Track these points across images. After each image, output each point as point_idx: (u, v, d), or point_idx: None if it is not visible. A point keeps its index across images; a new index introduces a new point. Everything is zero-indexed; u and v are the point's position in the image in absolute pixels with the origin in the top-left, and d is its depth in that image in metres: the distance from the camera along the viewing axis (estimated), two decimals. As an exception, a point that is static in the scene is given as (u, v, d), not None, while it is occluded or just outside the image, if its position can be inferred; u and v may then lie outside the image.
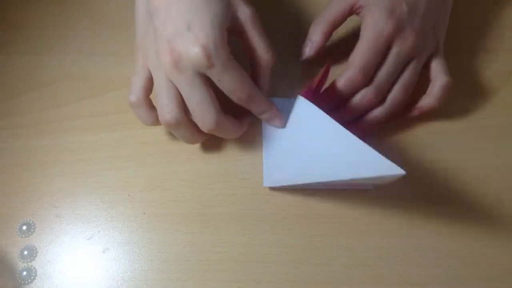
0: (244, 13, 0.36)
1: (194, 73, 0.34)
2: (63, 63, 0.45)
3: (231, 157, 0.41)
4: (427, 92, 0.40)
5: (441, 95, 0.39)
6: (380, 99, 0.39)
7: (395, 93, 0.39)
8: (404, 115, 0.41)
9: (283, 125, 0.39)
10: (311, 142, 0.37)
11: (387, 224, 0.38)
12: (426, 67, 0.40)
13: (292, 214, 0.39)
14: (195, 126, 0.37)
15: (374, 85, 0.38)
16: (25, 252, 0.38)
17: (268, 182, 0.39)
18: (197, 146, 0.41)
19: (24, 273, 0.37)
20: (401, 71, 0.39)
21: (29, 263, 0.38)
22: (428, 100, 0.39)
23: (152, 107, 0.37)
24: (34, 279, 0.37)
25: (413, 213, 0.38)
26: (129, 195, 0.40)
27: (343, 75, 0.38)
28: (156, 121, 0.37)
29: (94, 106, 0.43)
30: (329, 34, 0.41)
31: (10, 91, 0.44)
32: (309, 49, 0.41)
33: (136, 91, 0.37)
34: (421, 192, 0.39)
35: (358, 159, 0.33)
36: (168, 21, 0.34)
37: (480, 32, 0.45)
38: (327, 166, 0.35)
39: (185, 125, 0.36)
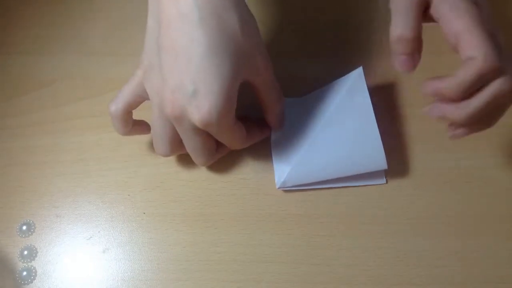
0: (258, 68, 0.34)
1: (191, 128, 0.33)
2: (63, 63, 0.45)
3: (231, 157, 0.41)
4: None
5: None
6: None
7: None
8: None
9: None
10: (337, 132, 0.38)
11: (387, 224, 0.38)
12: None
13: (292, 214, 0.39)
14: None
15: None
16: (25, 252, 0.38)
17: (280, 184, 0.39)
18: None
19: (24, 273, 0.37)
20: None
21: (29, 263, 0.38)
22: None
23: (127, 123, 0.37)
24: (34, 279, 0.37)
25: (413, 213, 0.38)
26: (129, 195, 0.40)
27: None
28: (127, 134, 0.38)
29: (94, 106, 0.43)
30: (415, 44, 0.32)
31: (10, 91, 0.44)
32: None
33: (118, 103, 0.36)
34: (421, 192, 0.39)
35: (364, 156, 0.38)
36: (175, 71, 0.31)
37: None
38: (341, 160, 0.38)
39: (178, 153, 0.38)
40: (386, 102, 0.42)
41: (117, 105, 0.36)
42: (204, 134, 0.34)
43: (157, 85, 0.34)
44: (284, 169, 0.39)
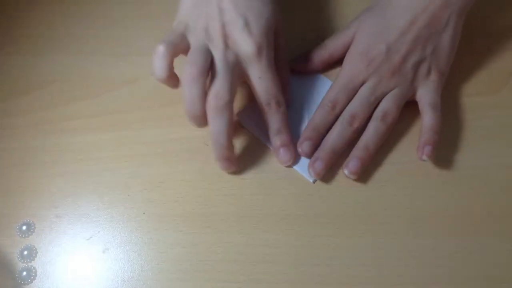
0: (280, 28, 0.40)
1: (233, 59, 0.37)
2: (63, 63, 0.45)
3: (231, 157, 0.41)
4: (421, 129, 0.40)
5: (436, 128, 0.39)
6: (356, 129, 0.39)
7: (375, 119, 0.39)
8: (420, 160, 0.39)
9: (289, 160, 0.40)
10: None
11: (387, 224, 0.38)
12: (414, 100, 0.41)
13: (292, 214, 0.39)
14: (204, 100, 0.36)
15: (345, 113, 0.40)
16: (25, 252, 0.38)
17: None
18: (197, 146, 0.41)
19: (24, 273, 0.37)
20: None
21: (29, 263, 0.38)
22: (426, 136, 0.39)
23: (172, 65, 0.36)
24: (34, 279, 0.37)
25: (413, 213, 0.38)
26: (129, 195, 0.40)
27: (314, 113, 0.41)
28: (167, 78, 0.36)
29: (94, 106, 0.43)
30: (326, 63, 0.43)
31: (11, 91, 0.44)
32: (303, 62, 0.43)
33: (169, 43, 0.36)
34: (421, 192, 0.39)
35: None
36: (225, 10, 0.37)
37: (480, 33, 0.46)
38: None
39: (200, 86, 0.36)
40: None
41: (166, 44, 0.36)
42: (236, 74, 0.37)
43: (202, 26, 0.37)
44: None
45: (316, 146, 0.40)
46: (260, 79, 0.38)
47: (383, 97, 0.40)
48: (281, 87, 0.40)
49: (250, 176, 0.40)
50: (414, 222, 0.38)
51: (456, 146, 0.41)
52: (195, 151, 0.41)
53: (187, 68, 0.36)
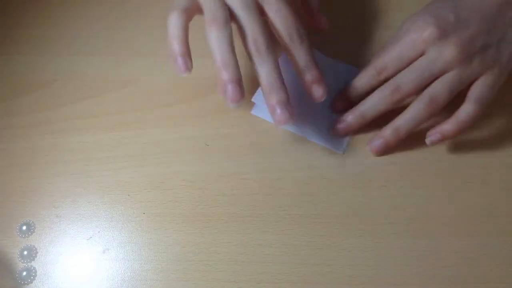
0: None
1: (254, 1, 0.35)
2: (63, 63, 0.45)
3: (231, 157, 0.41)
4: (453, 115, 0.37)
5: (464, 123, 0.37)
6: (397, 102, 0.37)
7: (419, 101, 0.37)
8: (426, 139, 0.38)
9: (323, 95, 0.37)
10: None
11: (387, 224, 0.38)
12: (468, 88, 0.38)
13: (292, 214, 0.39)
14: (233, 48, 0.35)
15: (391, 82, 0.37)
16: (25, 252, 0.38)
17: (257, 111, 0.42)
18: (197, 146, 0.41)
19: (24, 273, 0.37)
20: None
21: (29, 263, 0.38)
22: (448, 126, 0.37)
23: (186, 33, 0.36)
24: (34, 279, 0.37)
25: (412, 213, 0.38)
26: (129, 195, 0.40)
27: (360, 73, 0.40)
28: (182, 52, 0.35)
29: (94, 107, 0.43)
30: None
31: (10, 91, 0.44)
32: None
33: (182, 9, 0.35)
34: (421, 192, 0.39)
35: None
36: None
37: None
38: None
39: (227, 35, 0.35)
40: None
41: (181, 12, 0.35)
42: (258, 14, 0.36)
43: None
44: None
45: (349, 106, 0.40)
46: (277, 12, 0.36)
47: (438, 77, 0.37)
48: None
49: (250, 176, 0.40)
50: (414, 222, 0.38)
51: (456, 146, 0.41)
52: (195, 151, 0.41)
53: (210, 26, 0.35)
